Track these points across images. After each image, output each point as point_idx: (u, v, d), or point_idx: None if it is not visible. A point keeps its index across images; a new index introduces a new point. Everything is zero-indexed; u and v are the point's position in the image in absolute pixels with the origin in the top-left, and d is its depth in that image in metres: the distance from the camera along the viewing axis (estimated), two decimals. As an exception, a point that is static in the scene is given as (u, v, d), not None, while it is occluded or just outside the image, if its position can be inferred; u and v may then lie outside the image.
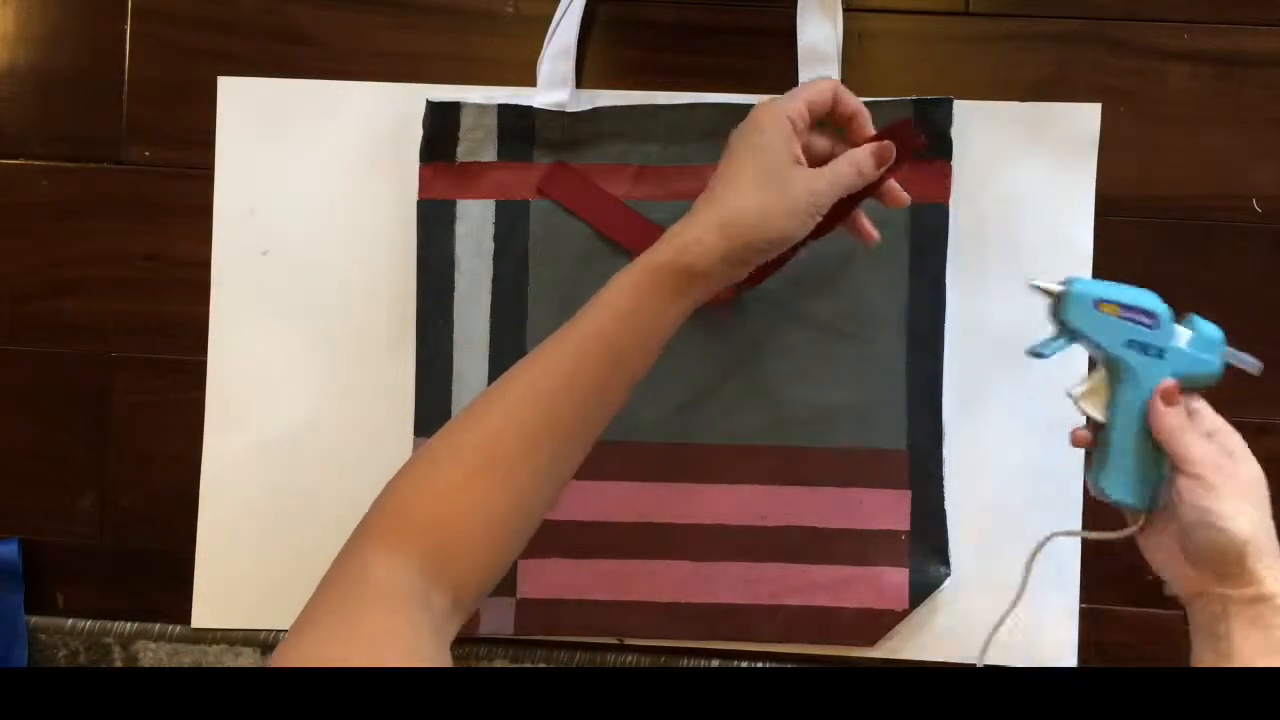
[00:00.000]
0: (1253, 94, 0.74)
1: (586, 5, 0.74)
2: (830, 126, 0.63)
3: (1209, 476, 0.58)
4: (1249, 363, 0.62)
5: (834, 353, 0.73)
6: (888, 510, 0.73)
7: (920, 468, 0.73)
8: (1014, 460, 0.74)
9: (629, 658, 0.76)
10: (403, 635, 0.50)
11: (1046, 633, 0.74)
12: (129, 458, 0.78)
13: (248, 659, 0.77)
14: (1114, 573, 0.74)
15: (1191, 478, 0.58)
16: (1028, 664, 0.74)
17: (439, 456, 0.56)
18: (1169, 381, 0.61)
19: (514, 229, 0.74)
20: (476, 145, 0.74)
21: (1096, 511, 0.73)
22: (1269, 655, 0.55)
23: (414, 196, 0.74)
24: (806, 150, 0.61)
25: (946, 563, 0.74)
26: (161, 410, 0.77)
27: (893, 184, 0.64)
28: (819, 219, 0.60)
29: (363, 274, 0.76)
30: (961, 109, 0.73)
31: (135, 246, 0.77)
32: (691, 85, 0.74)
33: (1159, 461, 0.61)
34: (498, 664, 0.76)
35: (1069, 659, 0.74)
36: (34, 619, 0.78)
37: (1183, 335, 0.62)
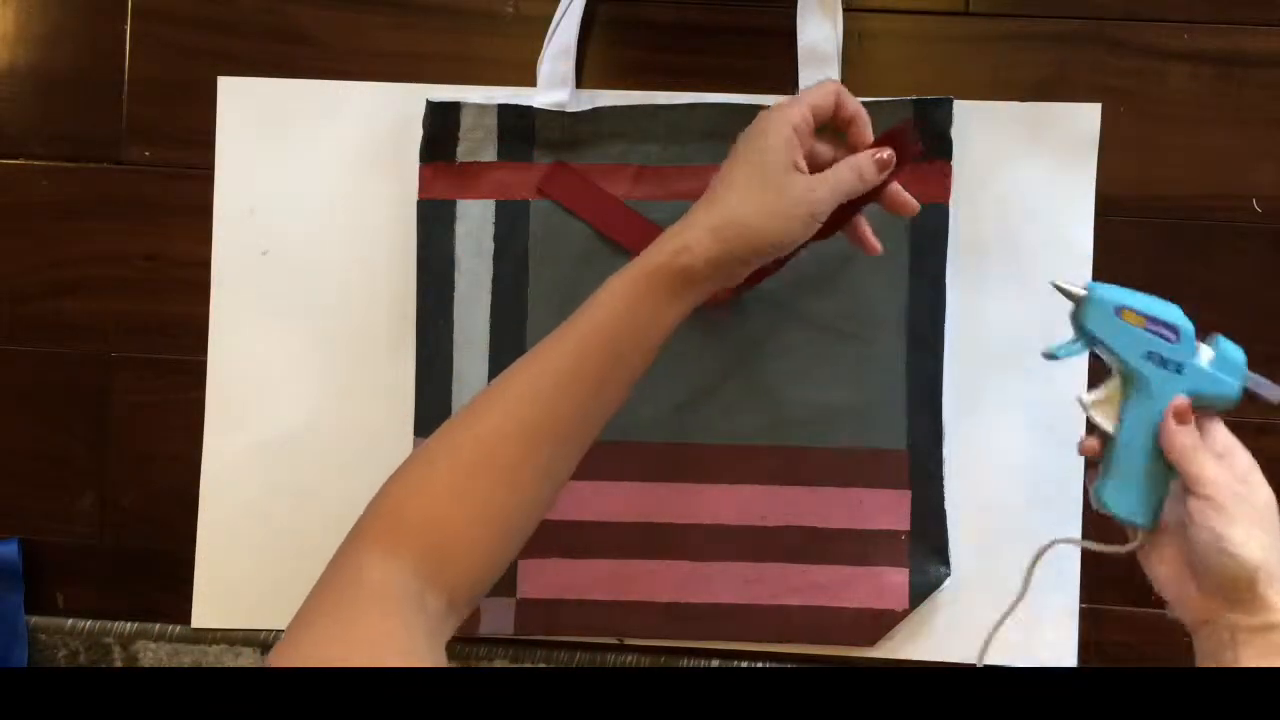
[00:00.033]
0: (1253, 94, 0.74)
1: (586, 5, 0.74)
2: (832, 132, 0.63)
3: (1222, 500, 0.57)
4: (1271, 390, 0.61)
5: (834, 353, 0.73)
6: (888, 510, 0.73)
7: (920, 468, 0.73)
8: (1014, 460, 0.74)
9: (629, 658, 0.76)
10: (397, 637, 0.50)
11: (1046, 633, 0.74)
12: (129, 458, 0.78)
13: (248, 659, 0.77)
14: (1114, 573, 0.74)
15: (1203, 499, 0.57)
16: (1028, 664, 0.74)
17: (436, 456, 0.56)
18: (1181, 399, 0.60)
19: (514, 229, 0.74)
20: (476, 145, 0.74)
21: (1097, 515, 0.73)
22: None
23: (414, 196, 0.74)
24: (810, 156, 0.61)
25: (946, 563, 0.74)
26: (161, 410, 0.77)
27: (900, 192, 0.63)
28: (818, 225, 0.60)
29: (363, 274, 0.76)
30: (961, 109, 0.73)
31: (135, 246, 0.77)
32: (691, 85, 0.74)
33: (1165, 478, 0.60)
34: (498, 664, 0.76)
35: (1069, 659, 0.74)
36: (34, 619, 0.78)
37: (1204, 354, 0.60)
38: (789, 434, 0.74)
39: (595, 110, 0.74)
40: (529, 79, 0.74)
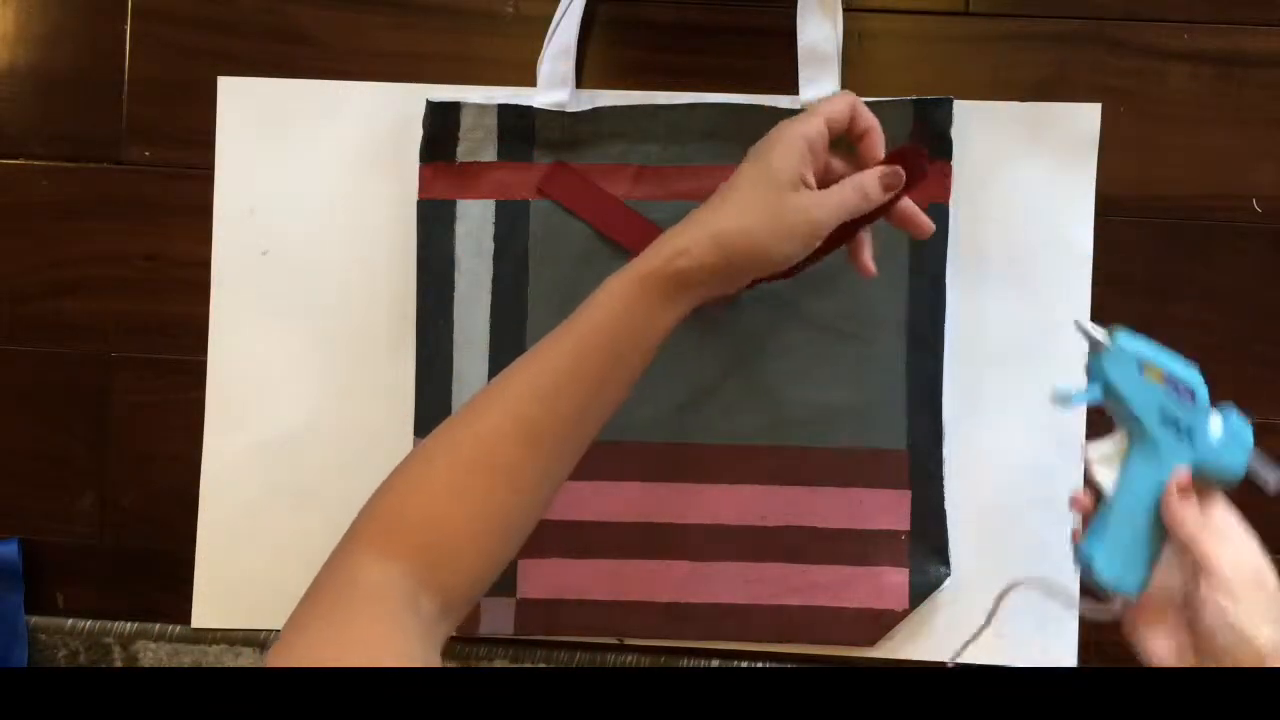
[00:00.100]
0: (1253, 94, 0.74)
1: (586, 5, 0.74)
2: (846, 146, 0.62)
3: (1237, 585, 0.55)
4: (1272, 476, 0.58)
5: (834, 353, 0.73)
6: (888, 510, 0.73)
7: (920, 468, 0.73)
8: (1014, 460, 0.74)
9: (629, 658, 0.76)
10: (392, 640, 0.50)
11: (1047, 633, 0.74)
12: (129, 458, 0.78)
13: (248, 659, 0.77)
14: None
15: (1216, 581, 0.55)
16: (1028, 664, 0.74)
17: (435, 454, 0.56)
18: (1184, 474, 0.58)
19: (514, 229, 0.74)
20: (476, 145, 0.74)
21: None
22: None
23: (414, 196, 0.74)
24: (824, 171, 0.61)
25: (946, 563, 0.74)
26: (161, 410, 0.77)
27: (914, 211, 0.63)
28: (817, 244, 0.59)
29: (363, 274, 0.76)
30: (961, 109, 0.73)
31: (135, 246, 0.77)
32: (691, 85, 0.74)
33: (1157, 547, 0.59)
34: (498, 664, 0.76)
35: (1069, 659, 0.74)
36: (34, 619, 0.78)
37: (1214, 423, 0.58)
38: (789, 434, 0.74)
39: (595, 110, 0.74)
40: (529, 79, 0.74)
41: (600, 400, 0.58)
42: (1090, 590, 0.61)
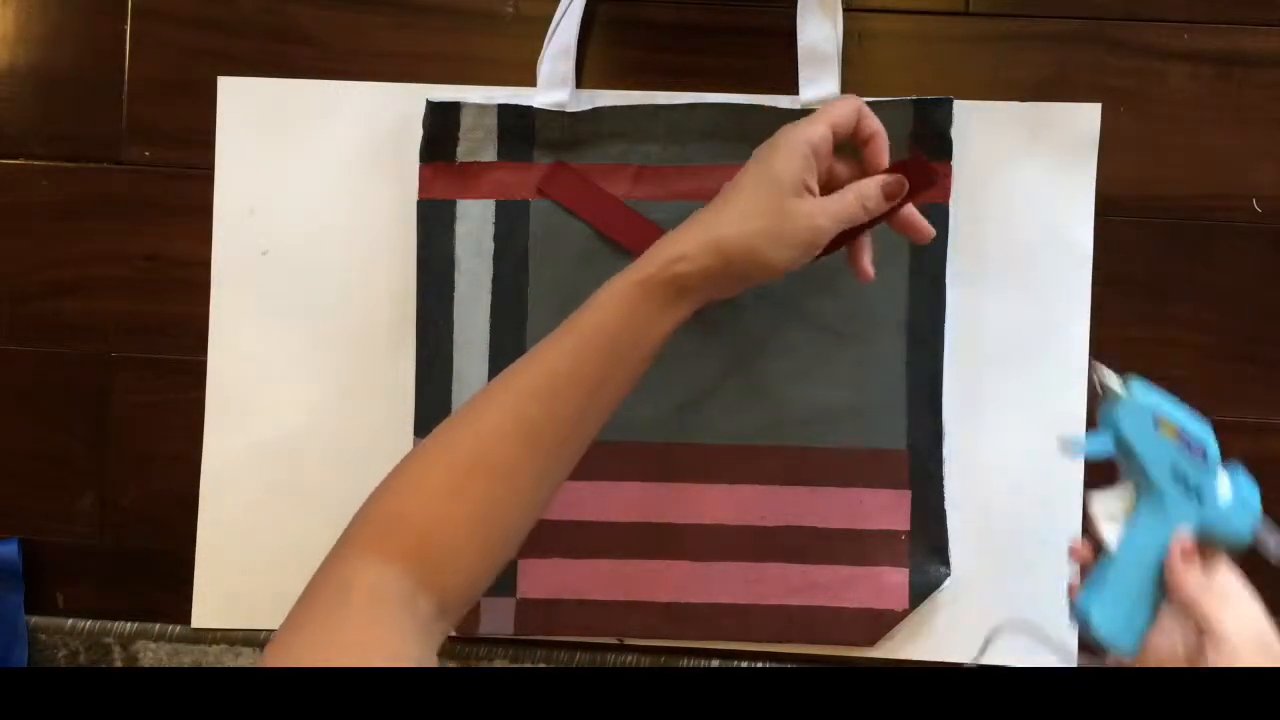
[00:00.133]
0: (1253, 94, 0.74)
1: (586, 5, 0.74)
2: (851, 151, 0.62)
3: (1245, 653, 0.54)
4: (1275, 546, 0.57)
5: (834, 352, 0.73)
6: (888, 510, 0.73)
7: (920, 468, 0.73)
8: (1014, 460, 0.74)
9: (629, 658, 0.76)
10: (387, 641, 0.49)
11: (1047, 633, 0.74)
12: (129, 458, 0.78)
13: (248, 659, 0.77)
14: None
15: (1220, 648, 0.54)
16: (1028, 664, 0.74)
17: (433, 456, 0.56)
18: (1186, 540, 0.56)
19: (514, 229, 0.74)
20: (476, 145, 0.74)
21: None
22: None
23: (414, 196, 0.74)
24: (828, 176, 0.60)
25: (946, 563, 0.74)
26: (161, 410, 0.77)
27: (916, 217, 0.63)
28: (818, 252, 0.59)
29: (363, 274, 0.76)
30: (961, 109, 0.73)
31: (135, 246, 0.77)
32: (691, 85, 0.74)
33: (1157, 604, 0.57)
34: (498, 664, 0.76)
35: (1069, 659, 0.74)
36: (34, 619, 0.78)
37: (1222, 483, 0.57)
38: (789, 434, 0.74)
39: (595, 110, 0.74)
40: (529, 79, 0.74)
41: (599, 401, 0.58)
42: (1086, 644, 0.60)
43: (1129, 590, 0.57)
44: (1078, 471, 0.73)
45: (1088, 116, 0.74)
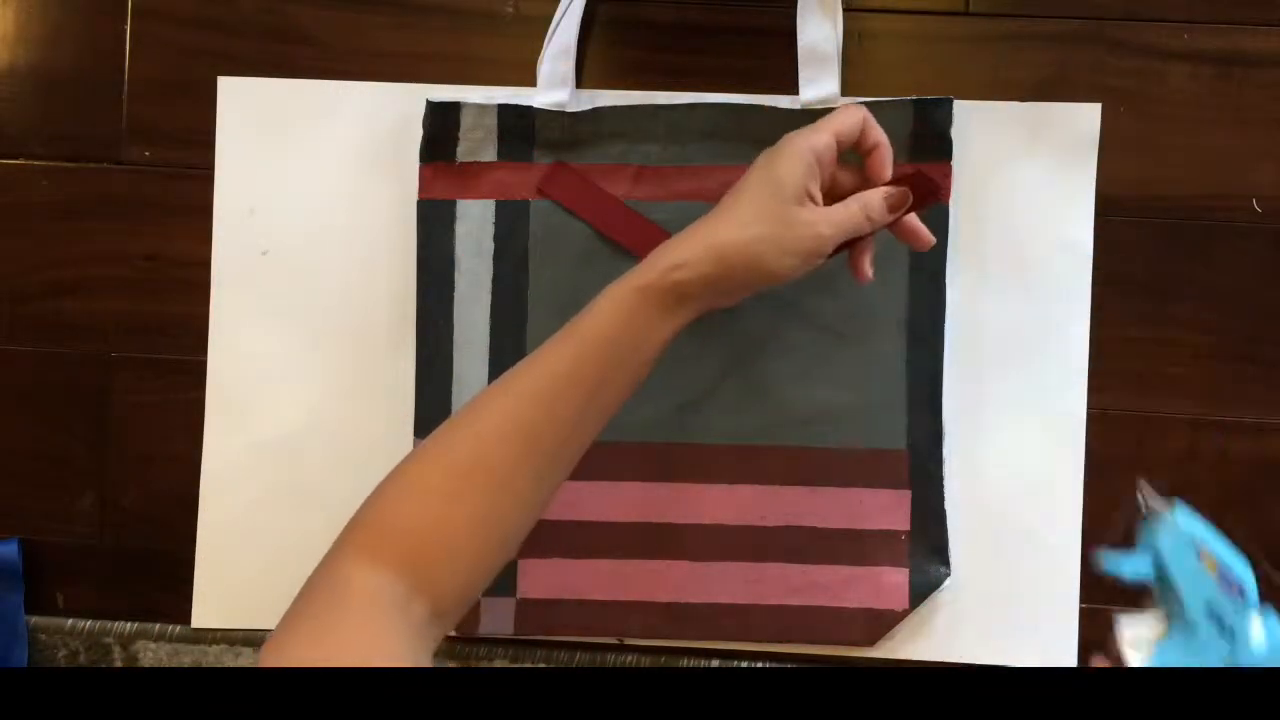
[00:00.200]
0: (1253, 94, 0.74)
1: (586, 5, 0.74)
2: (853, 160, 0.62)
3: None
4: None
5: (834, 352, 0.73)
6: (888, 510, 0.73)
7: (920, 468, 0.73)
8: (1014, 460, 0.74)
9: (629, 658, 0.76)
10: (380, 644, 0.50)
11: (1046, 633, 0.74)
12: (129, 458, 0.78)
13: (248, 659, 0.77)
14: (1114, 573, 0.74)
15: None
16: (1028, 664, 0.74)
17: (432, 456, 0.56)
18: None
19: (514, 229, 0.74)
20: (476, 145, 0.74)
21: (1097, 515, 0.74)
22: None
23: (414, 196, 0.74)
24: (831, 184, 0.60)
25: (946, 563, 0.74)
26: (161, 410, 0.77)
27: (917, 225, 0.63)
28: (819, 261, 0.59)
29: (363, 274, 0.76)
30: (961, 109, 0.73)
31: (135, 246, 0.77)
32: (691, 85, 0.74)
33: None
34: (498, 664, 0.76)
35: (1069, 659, 0.74)
36: (34, 619, 0.78)
37: (1255, 626, 0.54)
38: (789, 434, 0.74)
39: (595, 110, 0.74)
40: (529, 79, 0.74)
41: (599, 405, 0.58)
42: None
43: None
44: (1078, 472, 0.73)
45: (1088, 116, 0.74)
